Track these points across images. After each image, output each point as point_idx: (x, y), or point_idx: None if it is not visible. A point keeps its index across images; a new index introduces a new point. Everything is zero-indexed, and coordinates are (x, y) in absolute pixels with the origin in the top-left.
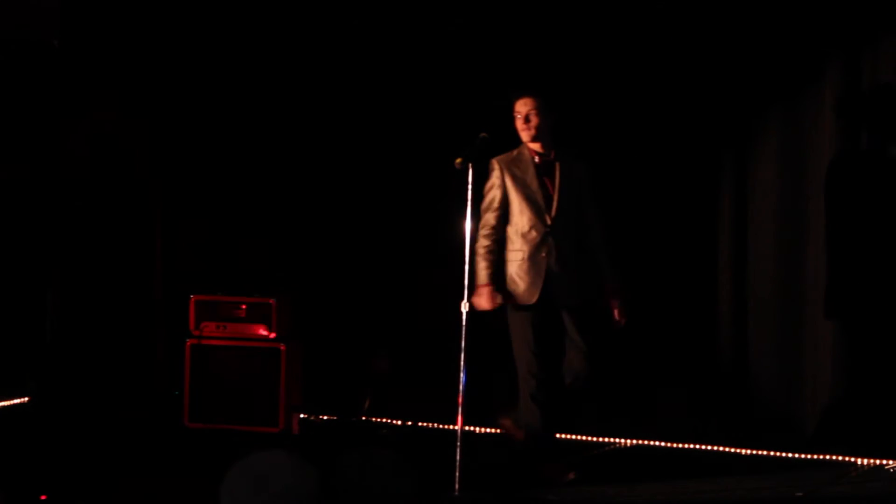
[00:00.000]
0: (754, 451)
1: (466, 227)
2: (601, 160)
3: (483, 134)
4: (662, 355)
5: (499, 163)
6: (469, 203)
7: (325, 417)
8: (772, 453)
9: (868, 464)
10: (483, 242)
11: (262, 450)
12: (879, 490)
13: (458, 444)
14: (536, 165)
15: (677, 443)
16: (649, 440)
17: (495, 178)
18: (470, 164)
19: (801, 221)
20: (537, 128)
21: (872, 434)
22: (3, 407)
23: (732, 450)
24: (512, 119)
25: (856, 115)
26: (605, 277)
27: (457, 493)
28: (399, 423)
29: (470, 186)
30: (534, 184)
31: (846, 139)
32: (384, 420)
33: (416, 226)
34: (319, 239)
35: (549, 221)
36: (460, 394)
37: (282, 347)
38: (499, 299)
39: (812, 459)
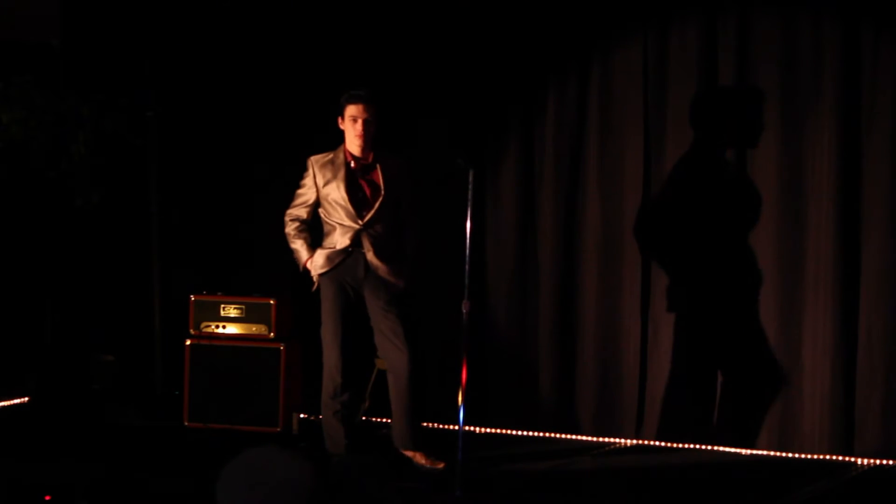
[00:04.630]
0: (754, 451)
1: (467, 228)
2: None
3: None
4: (661, 355)
5: (313, 164)
6: (469, 204)
7: None
8: (772, 453)
9: (868, 464)
10: (292, 225)
11: (256, 445)
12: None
13: (459, 444)
14: (351, 170)
15: (677, 443)
16: (649, 440)
17: (308, 177)
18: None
19: (801, 219)
20: (372, 135)
21: (872, 434)
22: (3, 407)
23: (732, 450)
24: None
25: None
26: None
27: (457, 494)
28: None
29: (470, 187)
30: (344, 187)
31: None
32: (384, 420)
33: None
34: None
35: (361, 223)
36: (460, 394)
37: (282, 347)
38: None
39: (812, 459)
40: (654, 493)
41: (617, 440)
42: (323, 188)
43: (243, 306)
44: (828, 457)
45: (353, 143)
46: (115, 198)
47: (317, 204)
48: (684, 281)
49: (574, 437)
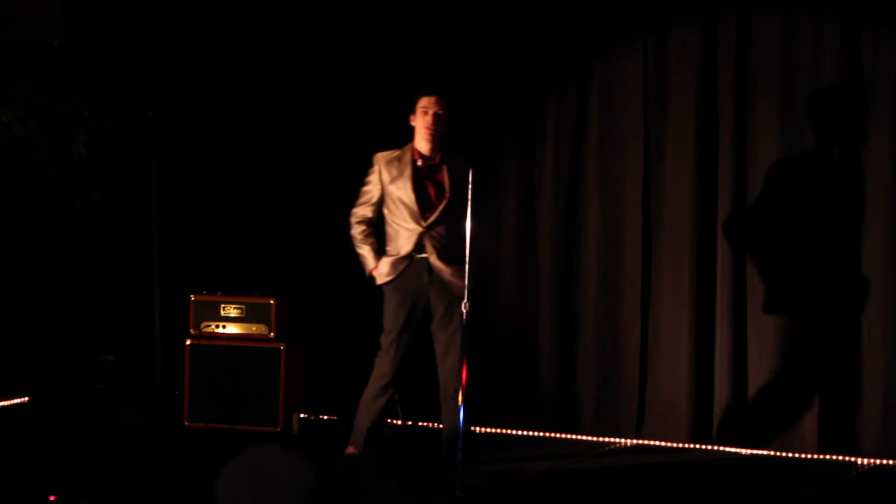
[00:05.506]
0: (754, 451)
1: (467, 227)
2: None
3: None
4: (661, 355)
5: (379, 160)
6: (469, 204)
7: (325, 417)
8: (772, 453)
9: (868, 464)
10: (359, 228)
11: (256, 445)
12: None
13: (459, 443)
14: (418, 168)
15: (677, 443)
16: (649, 440)
17: (374, 174)
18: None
19: (801, 220)
20: (441, 134)
21: (872, 434)
22: (3, 407)
23: (732, 450)
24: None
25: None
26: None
27: (457, 493)
28: (399, 423)
29: (470, 187)
30: (411, 185)
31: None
32: (384, 420)
33: None
34: (320, 239)
35: (424, 224)
36: (460, 394)
37: (282, 347)
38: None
39: (812, 459)
40: (653, 494)
41: (617, 440)
42: (389, 185)
43: (243, 306)
44: (828, 457)
45: (421, 136)
46: (115, 198)
47: (381, 202)
48: (683, 280)
49: (574, 437)
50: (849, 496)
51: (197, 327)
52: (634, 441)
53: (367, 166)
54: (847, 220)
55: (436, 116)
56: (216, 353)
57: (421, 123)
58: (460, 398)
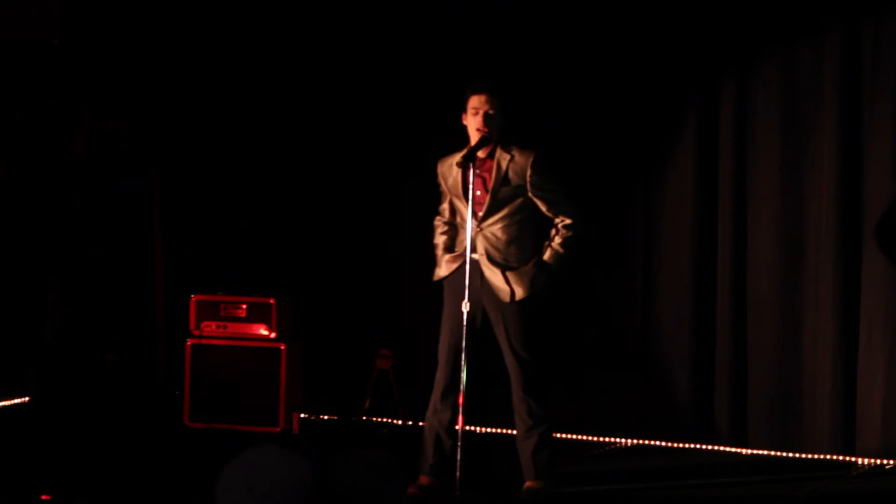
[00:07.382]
0: (754, 451)
1: (467, 227)
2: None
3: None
4: (662, 355)
5: (439, 166)
6: (471, 196)
7: (325, 417)
8: (772, 453)
9: (868, 464)
10: (438, 221)
11: (255, 445)
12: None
13: (458, 443)
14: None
15: (677, 443)
16: (649, 440)
17: (439, 178)
18: (470, 164)
19: (802, 222)
20: (498, 130)
21: (872, 434)
22: (3, 407)
23: (732, 450)
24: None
25: None
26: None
27: (457, 493)
28: (399, 423)
29: (471, 186)
30: (461, 183)
31: None
32: (384, 420)
33: (416, 225)
34: (320, 239)
35: (477, 222)
36: (460, 393)
37: (282, 347)
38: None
39: (812, 459)
40: (654, 494)
41: (617, 440)
42: (450, 187)
43: (244, 306)
44: (828, 457)
45: (474, 138)
46: (115, 198)
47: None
48: (683, 280)
49: (574, 436)
50: (849, 496)
51: (197, 327)
52: (634, 441)
53: (366, 167)
54: (847, 219)
55: (486, 116)
56: (216, 353)
57: (472, 124)
58: (460, 398)
